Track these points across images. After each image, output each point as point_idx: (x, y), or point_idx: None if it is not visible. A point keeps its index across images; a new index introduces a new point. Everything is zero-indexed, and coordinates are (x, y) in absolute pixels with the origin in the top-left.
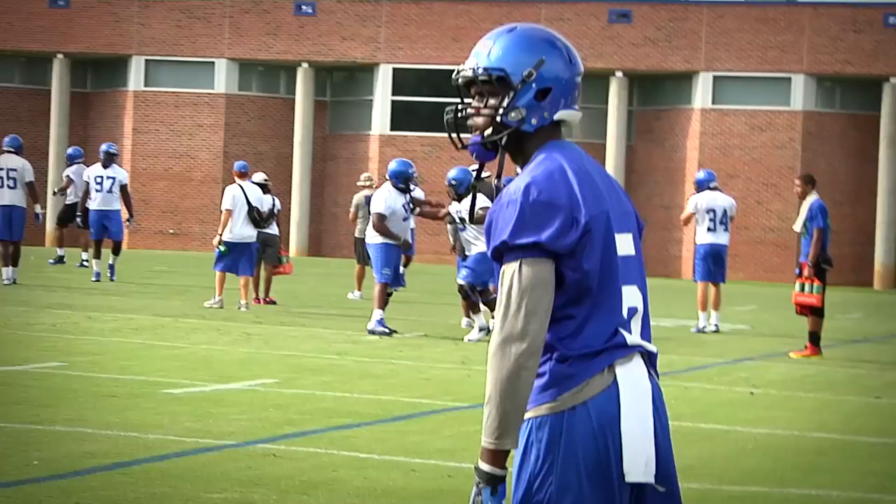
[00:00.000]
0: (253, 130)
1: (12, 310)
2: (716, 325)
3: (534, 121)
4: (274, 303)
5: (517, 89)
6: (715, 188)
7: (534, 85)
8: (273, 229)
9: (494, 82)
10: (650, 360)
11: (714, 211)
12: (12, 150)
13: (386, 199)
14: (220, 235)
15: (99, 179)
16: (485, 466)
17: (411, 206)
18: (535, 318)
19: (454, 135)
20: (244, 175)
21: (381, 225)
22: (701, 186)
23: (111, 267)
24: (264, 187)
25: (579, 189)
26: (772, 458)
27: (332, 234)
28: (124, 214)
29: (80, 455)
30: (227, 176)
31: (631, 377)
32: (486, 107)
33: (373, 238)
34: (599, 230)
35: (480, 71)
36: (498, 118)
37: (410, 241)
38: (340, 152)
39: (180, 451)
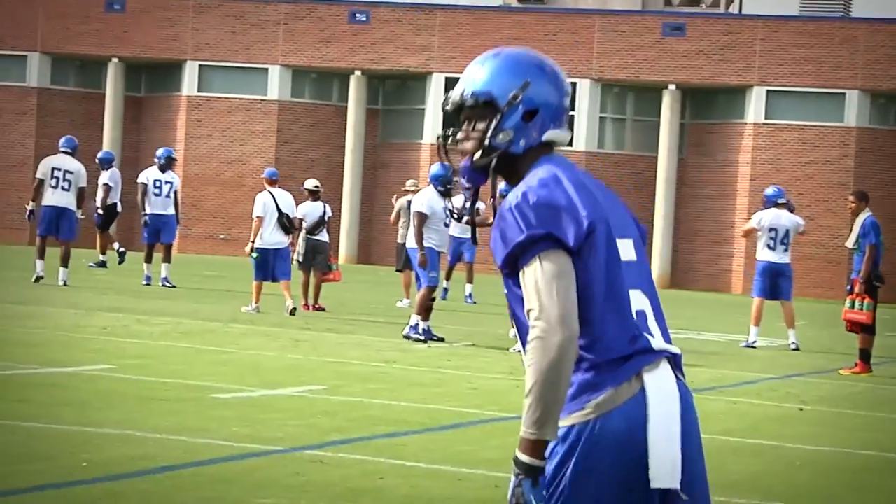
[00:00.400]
0: (305, 137)
1: (63, 312)
2: (794, 343)
3: (522, 142)
4: (323, 310)
5: (504, 112)
6: (783, 205)
7: (520, 107)
8: (323, 236)
9: (481, 106)
10: (675, 362)
11: (776, 230)
12: (69, 151)
13: (426, 200)
14: (252, 243)
15: (158, 183)
16: (525, 457)
17: (455, 213)
18: (569, 304)
19: (445, 160)
20: (274, 182)
21: (420, 226)
22: (768, 202)
23: (165, 279)
24: (315, 194)
25: (576, 193)
26: (820, 474)
27: (381, 242)
28: None
29: (129, 458)
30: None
31: (659, 383)
32: (474, 130)
33: (411, 242)
34: (601, 233)
35: (467, 95)
36: (486, 141)
37: (450, 247)
38: (391, 161)
39: (228, 455)
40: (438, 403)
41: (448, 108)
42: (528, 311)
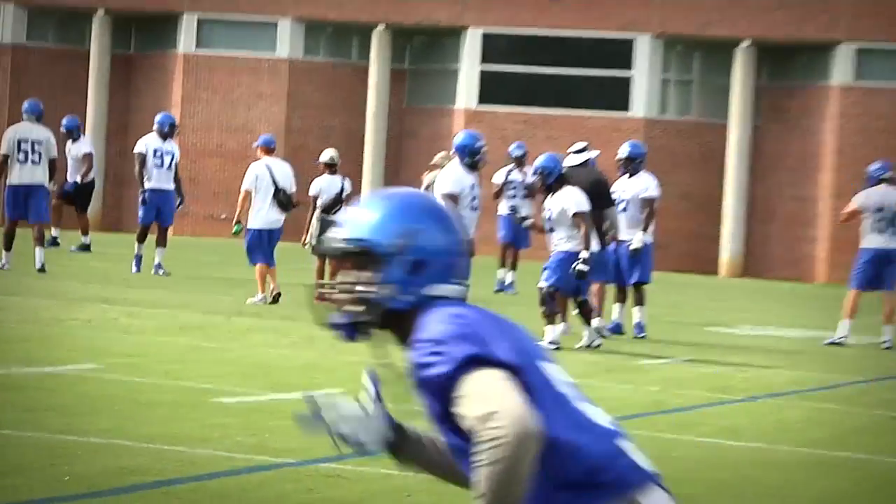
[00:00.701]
0: (319, 102)
1: (41, 302)
2: (888, 341)
3: (405, 298)
4: None
5: (386, 262)
6: (891, 181)
7: (406, 258)
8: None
9: (363, 254)
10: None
11: (884, 210)
12: (34, 117)
13: (452, 177)
14: (237, 217)
15: (158, 153)
16: None
17: (519, 217)
18: (521, 401)
19: (317, 312)
20: (270, 151)
21: (453, 206)
22: (872, 179)
23: (159, 265)
24: (332, 167)
25: (485, 317)
26: None
27: None
28: None
29: (117, 471)
30: (289, 153)
31: (657, 501)
32: (352, 281)
33: None
34: (530, 349)
35: (347, 242)
36: (364, 295)
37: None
38: (420, 129)
39: (231, 469)
40: None
41: (328, 253)
42: (472, 426)
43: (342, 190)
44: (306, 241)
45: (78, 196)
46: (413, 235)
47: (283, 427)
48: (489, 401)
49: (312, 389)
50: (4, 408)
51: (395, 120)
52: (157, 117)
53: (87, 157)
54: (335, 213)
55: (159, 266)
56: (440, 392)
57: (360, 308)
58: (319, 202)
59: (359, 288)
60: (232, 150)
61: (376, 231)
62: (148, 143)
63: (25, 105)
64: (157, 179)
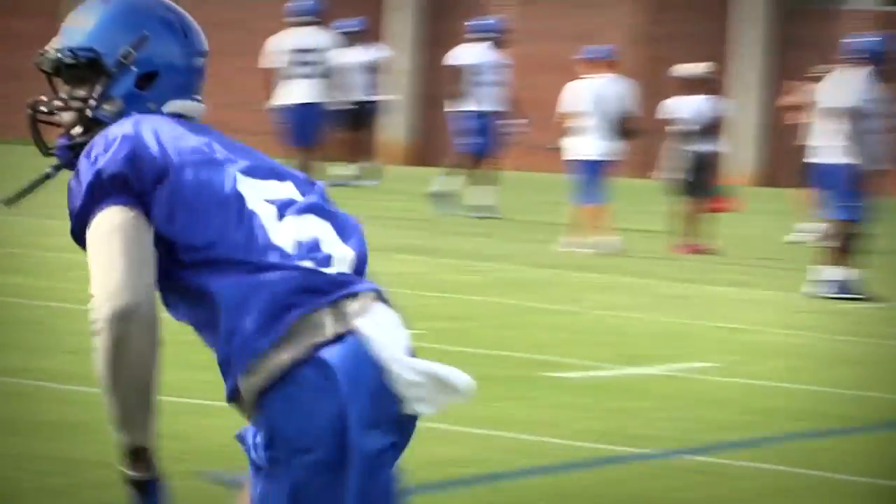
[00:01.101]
0: (682, 3)
1: None
2: None
3: (134, 114)
4: (710, 252)
5: (112, 75)
6: None
7: (134, 69)
8: (712, 146)
9: (84, 66)
10: (381, 296)
11: None
12: (308, 19)
13: (853, 87)
14: (557, 144)
15: (484, 68)
16: (129, 473)
17: None
18: (118, 275)
19: (38, 137)
20: (610, 64)
21: (856, 125)
22: None
23: (484, 207)
24: (702, 84)
25: (173, 125)
26: None
27: (798, 155)
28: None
29: (440, 462)
30: (642, 67)
31: (371, 316)
32: (73, 98)
33: (830, 153)
34: (214, 160)
35: (65, 51)
36: (88, 112)
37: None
38: (806, 35)
39: (574, 461)
40: (880, 390)
41: (45, 67)
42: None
43: (714, 114)
44: (659, 177)
45: (360, 117)
46: (143, 43)
47: (637, 410)
48: (94, 276)
49: (673, 363)
50: None
51: (777, 24)
52: (480, 22)
53: (372, 68)
54: (704, 142)
55: (485, 207)
56: (74, 229)
57: (82, 129)
58: (680, 128)
59: (81, 105)
60: (569, 64)
61: (100, 38)
62: (468, 55)
63: (294, 6)
64: (481, 99)
